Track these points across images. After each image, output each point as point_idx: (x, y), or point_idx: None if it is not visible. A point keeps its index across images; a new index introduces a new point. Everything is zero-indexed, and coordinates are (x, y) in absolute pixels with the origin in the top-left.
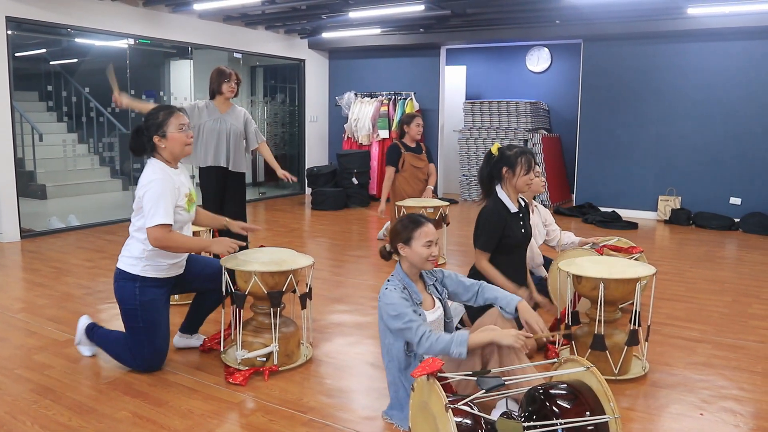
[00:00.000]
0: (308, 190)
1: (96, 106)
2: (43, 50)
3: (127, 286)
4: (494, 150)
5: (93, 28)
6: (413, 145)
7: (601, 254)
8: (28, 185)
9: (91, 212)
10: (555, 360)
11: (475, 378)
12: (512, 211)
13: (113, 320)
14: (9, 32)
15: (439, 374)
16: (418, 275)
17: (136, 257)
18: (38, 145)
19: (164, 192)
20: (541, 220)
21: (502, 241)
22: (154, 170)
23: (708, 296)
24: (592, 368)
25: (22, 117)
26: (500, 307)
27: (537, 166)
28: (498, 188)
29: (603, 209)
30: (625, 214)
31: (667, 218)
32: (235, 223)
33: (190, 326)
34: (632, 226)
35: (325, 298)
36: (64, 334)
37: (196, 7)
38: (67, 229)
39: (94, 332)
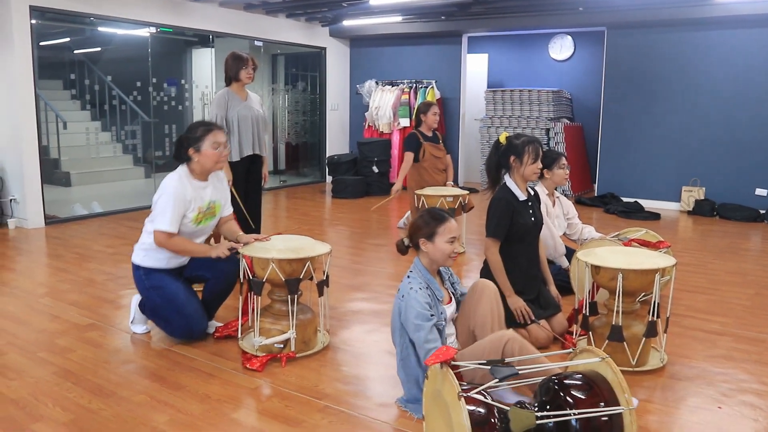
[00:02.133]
0: (329, 179)
1: (119, 94)
2: (67, 39)
3: (135, 274)
4: (502, 139)
5: (115, 16)
6: (430, 134)
7: (628, 246)
8: (53, 172)
9: (113, 199)
10: (570, 350)
11: (489, 367)
12: (521, 199)
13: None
14: (33, 21)
15: (452, 363)
16: (437, 270)
17: (141, 249)
18: (62, 133)
19: (174, 202)
20: (563, 212)
21: (512, 228)
22: (174, 178)
23: (730, 288)
24: (607, 359)
25: (46, 105)
26: None
27: (564, 158)
28: (506, 177)
29: (625, 199)
30: (648, 204)
31: (691, 209)
32: (245, 237)
33: None
34: (655, 216)
35: (344, 286)
36: (85, 318)
37: None
38: (91, 215)
39: (146, 306)
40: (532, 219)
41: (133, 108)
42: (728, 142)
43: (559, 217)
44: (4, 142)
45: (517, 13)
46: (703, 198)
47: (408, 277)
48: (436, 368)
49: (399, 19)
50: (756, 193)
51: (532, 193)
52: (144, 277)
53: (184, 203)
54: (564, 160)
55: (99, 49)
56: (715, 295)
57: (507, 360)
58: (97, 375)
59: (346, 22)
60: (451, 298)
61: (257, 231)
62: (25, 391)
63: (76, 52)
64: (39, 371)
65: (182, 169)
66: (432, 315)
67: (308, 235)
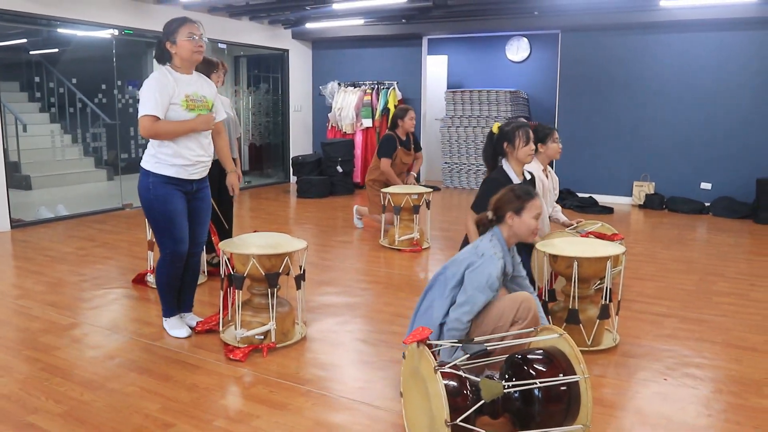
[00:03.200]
0: (293, 179)
1: (80, 96)
2: (24, 40)
3: (143, 181)
4: (495, 129)
5: (78, 19)
6: (404, 138)
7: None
8: (12, 176)
9: (77, 202)
10: (532, 329)
11: (461, 344)
12: (515, 182)
13: (110, 304)
14: None
15: (427, 342)
16: (513, 245)
17: (150, 154)
18: (21, 135)
19: (155, 87)
20: (552, 186)
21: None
22: (154, 73)
23: (676, 275)
24: (564, 335)
25: (4, 107)
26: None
27: (556, 132)
28: (503, 162)
29: (580, 195)
30: (602, 199)
31: (642, 203)
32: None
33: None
34: (608, 210)
35: (315, 282)
36: (66, 318)
37: None
38: (56, 218)
39: (146, 216)
40: None
41: (96, 111)
42: (676, 140)
43: (551, 192)
44: None
45: (475, 16)
46: (653, 192)
47: (490, 240)
48: (413, 347)
49: (361, 22)
50: (701, 186)
51: (528, 177)
52: (151, 186)
53: (167, 90)
54: (556, 134)
55: (57, 50)
56: (662, 282)
57: (476, 339)
58: (85, 370)
59: (309, 25)
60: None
61: (230, 231)
62: (15, 386)
63: (32, 53)
64: (26, 368)
65: (164, 66)
66: (498, 287)
67: None
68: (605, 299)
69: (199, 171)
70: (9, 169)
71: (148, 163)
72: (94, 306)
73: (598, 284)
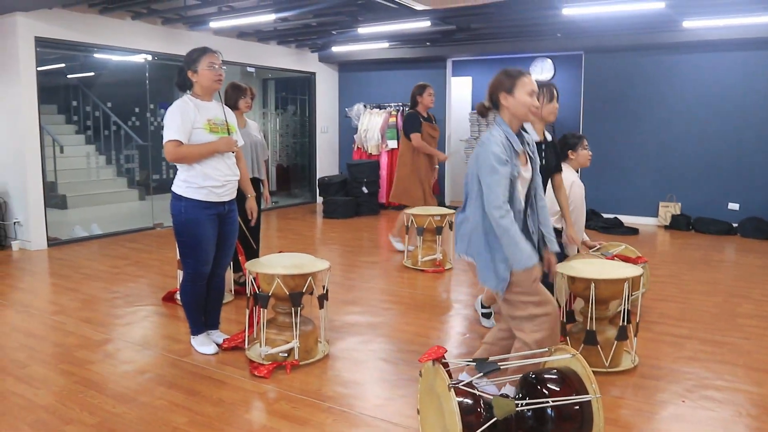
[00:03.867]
0: (319, 199)
1: (114, 118)
2: (62, 65)
3: (175, 204)
4: None
5: (115, 46)
6: (425, 114)
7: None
8: (49, 195)
9: (110, 221)
10: (546, 349)
11: (474, 363)
12: (535, 139)
13: (141, 321)
14: (38, 49)
15: (443, 360)
16: (518, 129)
17: (180, 179)
18: (59, 156)
19: (179, 115)
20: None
21: None
22: (176, 101)
23: (700, 297)
24: (577, 355)
25: (42, 129)
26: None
27: (585, 140)
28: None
29: (605, 215)
30: (627, 220)
31: (668, 224)
32: (251, 200)
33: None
34: (633, 231)
35: (339, 301)
36: (99, 333)
37: (213, 24)
38: (91, 237)
39: (176, 237)
40: (543, 162)
41: (129, 133)
42: (702, 160)
43: (583, 199)
44: (7, 166)
45: (498, 38)
46: (679, 213)
47: (488, 130)
48: (429, 365)
49: (386, 45)
50: (729, 207)
51: (549, 138)
52: (183, 209)
53: (188, 116)
54: (585, 142)
55: (93, 74)
56: (685, 303)
57: (491, 358)
58: (117, 383)
59: (335, 48)
60: (527, 161)
61: (257, 250)
62: (52, 398)
63: (70, 77)
64: (63, 381)
65: (186, 94)
66: (507, 161)
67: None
68: (624, 321)
69: (228, 192)
70: (46, 189)
71: (179, 188)
72: (126, 323)
73: (620, 306)
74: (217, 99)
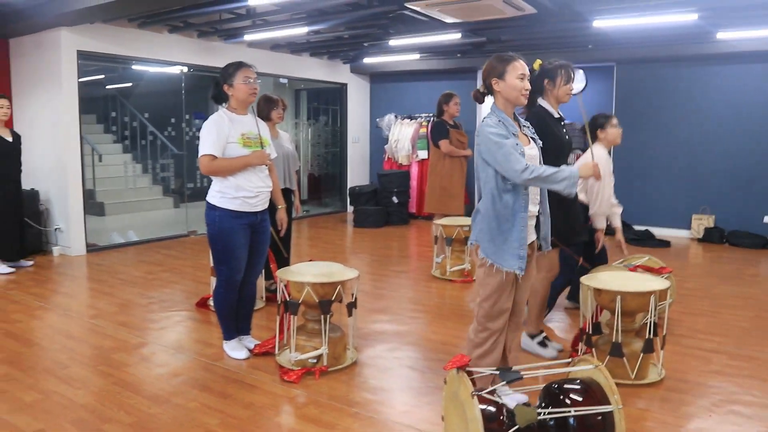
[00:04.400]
0: (350, 208)
1: (150, 128)
2: (102, 76)
3: (209, 214)
4: (536, 66)
5: (153, 58)
6: (452, 122)
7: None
8: (88, 203)
9: (145, 228)
10: (569, 360)
11: (498, 372)
12: (555, 116)
13: (175, 326)
14: (80, 61)
15: (467, 368)
16: (512, 113)
17: (215, 190)
18: (97, 165)
19: (214, 129)
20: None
21: (548, 140)
22: (212, 115)
23: (731, 311)
24: (600, 366)
25: (82, 139)
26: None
27: (615, 119)
28: (540, 100)
29: (636, 227)
30: (659, 232)
31: (701, 237)
32: (281, 211)
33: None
34: (665, 244)
35: (368, 309)
36: (135, 337)
37: (247, 37)
38: (127, 243)
39: (210, 245)
40: (566, 137)
41: (165, 142)
42: (737, 172)
43: (611, 175)
44: (49, 174)
45: (528, 50)
46: (712, 226)
47: (482, 120)
48: (453, 373)
49: (417, 56)
50: (764, 220)
51: (563, 118)
52: (217, 219)
53: (223, 130)
54: (615, 120)
55: (130, 84)
56: (715, 318)
57: (515, 368)
58: (152, 385)
59: (367, 60)
60: (530, 142)
61: (288, 258)
62: (91, 397)
63: (108, 87)
64: (101, 382)
65: (221, 108)
66: (507, 136)
67: (333, 262)
68: (650, 333)
69: (261, 202)
70: (86, 197)
71: (214, 198)
72: (161, 327)
73: (645, 318)
74: (251, 112)
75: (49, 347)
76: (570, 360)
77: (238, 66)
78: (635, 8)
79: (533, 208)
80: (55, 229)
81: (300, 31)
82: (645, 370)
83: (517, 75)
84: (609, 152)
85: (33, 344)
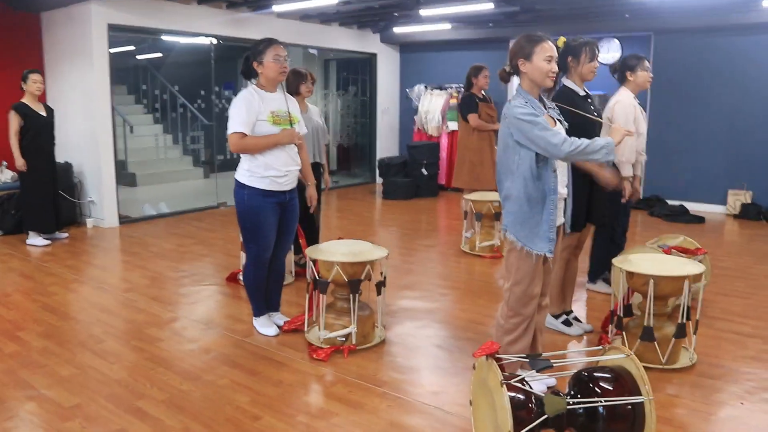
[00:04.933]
0: (379, 180)
1: (183, 102)
2: (132, 47)
3: (238, 192)
4: (560, 43)
5: (182, 30)
6: (481, 96)
7: (668, 254)
8: (119, 173)
9: (176, 199)
10: (600, 347)
11: (528, 359)
12: (581, 94)
13: (206, 300)
14: (110, 33)
15: (496, 355)
16: (538, 95)
17: (243, 168)
18: (129, 136)
19: (243, 106)
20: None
21: (576, 119)
22: (242, 92)
23: (767, 293)
24: (631, 355)
25: (113, 110)
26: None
27: (646, 62)
28: (564, 79)
29: (670, 202)
30: (693, 207)
31: (737, 213)
32: (311, 188)
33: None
34: (699, 220)
35: (396, 285)
36: (168, 312)
37: (276, 8)
38: (159, 215)
39: (239, 224)
40: (594, 114)
41: (195, 113)
42: None
43: (643, 122)
44: (82, 147)
45: (563, 19)
46: (750, 202)
47: (508, 103)
48: (482, 360)
49: (448, 26)
50: None
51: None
52: (246, 197)
53: (253, 108)
54: (647, 63)
55: (161, 55)
56: (751, 299)
57: (544, 355)
58: (184, 361)
59: (397, 30)
60: (555, 123)
61: (318, 232)
62: (125, 372)
63: (139, 57)
64: (134, 356)
65: (250, 85)
66: (538, 114)
67: (361, 235)
68: (683, 318)
69: (289, 181)
70: (117, 168)
71: (242, 176)
72: (192, 301)
73: (678, 300)
74: (280, 89)
75: (84, 321)
76: (600, 348)
77: (269, 43)
78: None
79: (562, 190)
80: (89, 201)
81: (330, 1)
82: (676, 354)
83: (545, 57)
84: (636, 97)
85: (69, 318)
